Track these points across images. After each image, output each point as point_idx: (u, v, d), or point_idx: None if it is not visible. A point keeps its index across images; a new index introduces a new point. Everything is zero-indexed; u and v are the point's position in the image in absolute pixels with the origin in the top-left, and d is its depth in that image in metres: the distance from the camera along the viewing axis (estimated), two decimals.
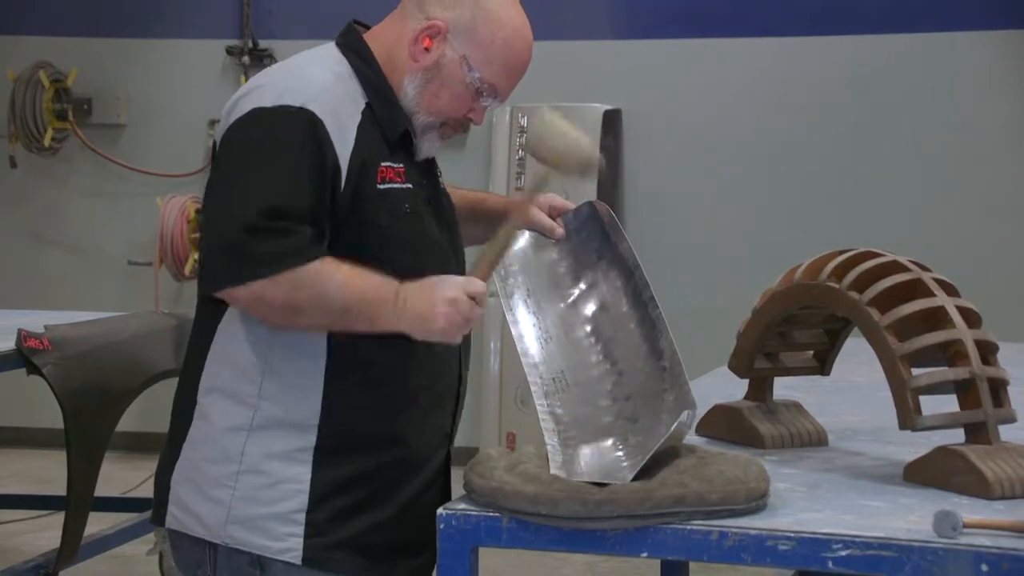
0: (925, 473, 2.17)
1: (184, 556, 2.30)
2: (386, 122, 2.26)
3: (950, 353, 2.21)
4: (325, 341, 2.22)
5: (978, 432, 2.18)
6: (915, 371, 2.19)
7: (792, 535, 1.88)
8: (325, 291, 2.14)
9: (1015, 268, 6.78)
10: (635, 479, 1.96)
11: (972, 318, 2.24)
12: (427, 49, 2.27)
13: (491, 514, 1.98)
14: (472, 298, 2.15)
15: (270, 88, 2.22)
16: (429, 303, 2.14)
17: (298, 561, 2.22)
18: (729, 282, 6.72)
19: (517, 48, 2.29)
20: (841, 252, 2.35)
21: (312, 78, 2.23)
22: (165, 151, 7.60)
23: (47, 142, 7.54)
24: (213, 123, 7.15)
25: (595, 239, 2.40)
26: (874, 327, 2.22)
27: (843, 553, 1.86)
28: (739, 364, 2.53)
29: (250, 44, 7.53)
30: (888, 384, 2.20)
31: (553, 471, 2.03)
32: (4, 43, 7.72)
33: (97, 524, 4.40)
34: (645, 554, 1.94)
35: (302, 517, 2.22)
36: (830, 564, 1.86)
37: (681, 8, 7.19)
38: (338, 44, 2.33)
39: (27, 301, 6.33)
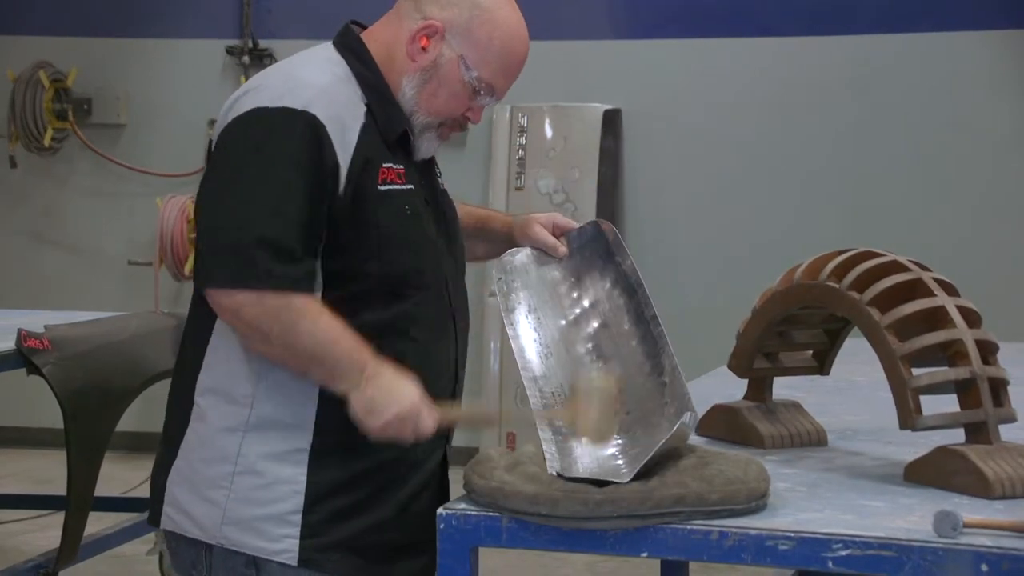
0: (925, 473, 2.17)
1: (180, 557, 2.30)
2: (385, 122, 2.27)
3: (950, 353, 2.21)
4: None
5: (978, 432, 2.18)
6: (915, 371, 2.19)
7: (792, 535, 1.88)
8: (298, 330, 2.13)
9: (1015, 268, 6.79)
10: (635, 479, 1.96)
11: (972, 318, 2.24)
12: (424, 49, 2.27)
13: (491, 514, 1.98)
14: (416, 427, 2.16)
15: (272, 88, 2.22)
16: (384, 402, 2.14)
17: (294, 562, 2.21)
18: (729, 282, 6.72)
19: (514, 47, 2.29)
20: (841, 252, 2.35)
21: (313, 80, 2.23)
22: (165, 151, 7.61)
23: (47, 142, 7.54)
24: (213, 123, 7.12)
25: (599, 257, 2.41)
26: (874, 327, 2.22)
27: (843, 553, 1.85)
28: (739, 364, 2.53)
29: (250, 44, 7.53)
30: (888, 384, 2.20)
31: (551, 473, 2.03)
32: (4, 43, 7.72)
33: (97, 524, 4.40)
34: (645, 554, 1.94)
35: (298, 518, 2.22)
36: (830, 564, 1.86)
37: (681, 8, 7.19)
38: (336, 44, 2.33)
39: (27, 301, 6.33)
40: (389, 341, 2.21)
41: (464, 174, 6.97)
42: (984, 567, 1.80)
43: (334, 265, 2.21)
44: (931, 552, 1.82)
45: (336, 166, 2.18)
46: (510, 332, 2.31)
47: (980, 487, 2.08)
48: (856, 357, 2.78)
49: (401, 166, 2.27)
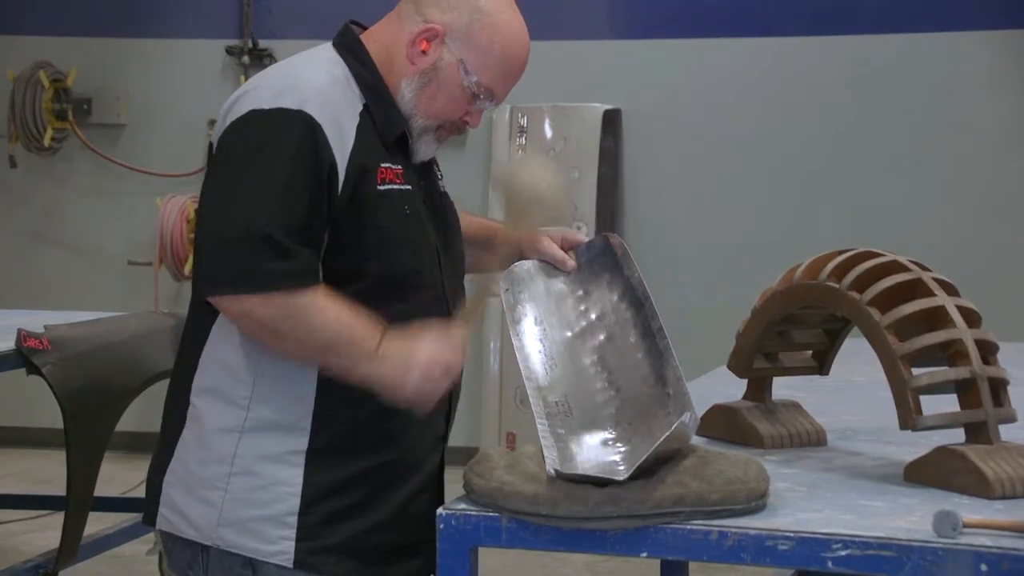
0: (925, 473, 2.17)
1: (176, 557, 2.29)
2: (383, 124, 2.26)
3: (950, 353, 2.21)
4: None
5: (978, 432, 2.18)
6: (915, 371, 2.19)
7: (792, 535, 1.88)
8: (310, 324, 2.13)
9: (1015, 268, 6.79)
10: (635, 479, 1.96)
11: (972, 318, 2.24)
12: (424, 52, 2.26)
13: (491, 514, 1.98)
14: (447, 368, 2.16)
15: (267, 89, 2.21)
16: (403, 368, 2.15)
17: (289, 564, 2.21)
18: (729, 282, 6.72)
19: (514, 52, 2.28)
20: (841, 252, 2.35)
21: (310, 79, 2.23)
22: (165, 151, 7.61)
23: (47, 142, 7.54)
24: (213, 123, 7.13)
25: (606, 270, 2.41)
26: (874, 327, 2.22)
27: (843, 553, 1.85)
28: (738, 364, 2.53)
29: (250, 44, 7.53)
30: (888, 384, 2.20)
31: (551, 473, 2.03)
32: (4, 43, 7.72)
33: (97, 524, 4.40)
34: (645, 554, 1.94)
35: (294, 520, 2.21)
36: (830, 564, 1.86)
37: (681, 8, 7.19)
38: (335, 45, 2.33)
39: (27, 301, 6.33)
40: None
41: (464, 174, 6.97)
42: (984, 567, 1.80)
43: (334, 265, 2.20)
44: (931, 552, 1.82)
45: (333, 165, 2.17)
46: (515, 343, 2.31)
47: (980, 487, 2.08)
48: (856, 357, 2.78)
49: (399, 167, 2.27)
